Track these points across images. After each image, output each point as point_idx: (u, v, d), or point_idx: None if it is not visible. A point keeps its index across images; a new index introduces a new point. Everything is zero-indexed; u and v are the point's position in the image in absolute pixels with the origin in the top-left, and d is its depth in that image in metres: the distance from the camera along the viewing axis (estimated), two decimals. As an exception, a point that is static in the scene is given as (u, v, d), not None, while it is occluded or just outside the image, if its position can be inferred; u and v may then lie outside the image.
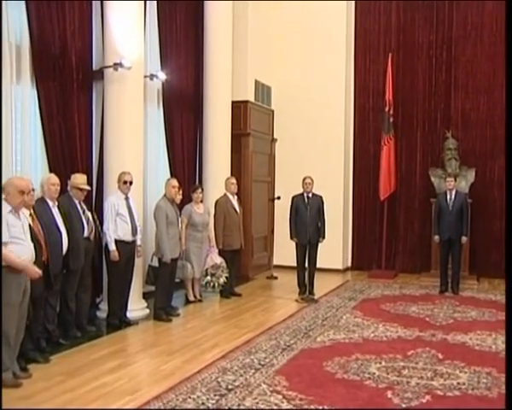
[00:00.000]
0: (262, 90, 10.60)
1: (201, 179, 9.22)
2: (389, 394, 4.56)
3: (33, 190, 5.11)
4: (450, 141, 9.96)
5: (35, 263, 4.81)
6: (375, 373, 5.04)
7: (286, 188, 9.88)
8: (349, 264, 11.12)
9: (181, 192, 7.55)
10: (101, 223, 6.56)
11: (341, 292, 8.84)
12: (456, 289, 8.81)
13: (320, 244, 8.46)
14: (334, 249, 10.48)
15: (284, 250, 9.77)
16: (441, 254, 9.01)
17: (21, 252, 4.64)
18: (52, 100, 6.40)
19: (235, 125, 9.55)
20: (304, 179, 8.40)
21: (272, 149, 11.13)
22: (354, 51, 11.01)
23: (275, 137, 11.12)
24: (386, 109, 10.15)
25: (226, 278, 8.09)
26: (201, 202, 8.06)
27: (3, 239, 4.51)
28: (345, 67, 10.80)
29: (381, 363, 5.33)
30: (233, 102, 9.45)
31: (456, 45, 10.36)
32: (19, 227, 4.66)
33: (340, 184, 10.81)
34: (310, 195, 8.38)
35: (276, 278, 10.00)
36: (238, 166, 9.82)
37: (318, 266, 8.61)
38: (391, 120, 10.18)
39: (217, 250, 8.19)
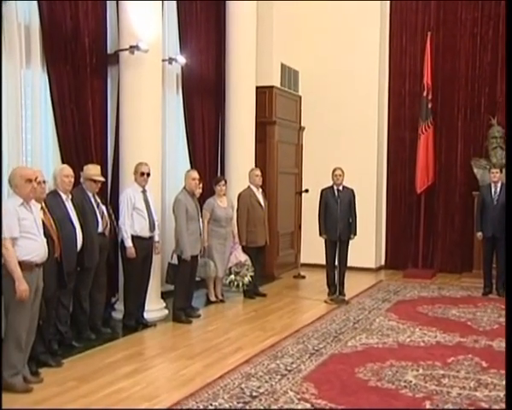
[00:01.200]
0: (289, 75, 10.54)
1: (223, 171, 9.23)
2: (427, 404, 4.50)
3: (45, 181, 5.13)
4: (495, 128, 9.79)
5: (47, 260, 4.84)
6: (411, 381, 4.97)
7: (314, 180, 9.84)
8: (383, 262, 11.04)
9: (201, 186, 7.55)
10: (117, 217, 6.59)
11: (374, 293, 8.78)
12: (502, 291, 8.65)
13: (351, 241, 8.40)
14: (367, 247, 10.42)
15: (312, 247, 9.74)
16: (485, 253, 8.87)
17: (34, 248, 4.66)
18: (64, 85, 6.43)
19: (259, 113, 9.54)
20: (334, 171, 8.33)
21: (300, 139, 11.08)
22: (389, 31, 10.86)
23: (302, 125, 11.06)
24: (425, 94, 10.03)
25: (251, 277, 8.09)
26: (224, 195, 8.05)
27: (14, 234, 4.54)
28: (379, 48, 10.68)
29: (418, 370, 5.26)
30: (257, 88, 9.44)
31: (504, 22, 10.08)
32: (31, 221, 4.68)
33: (373, 176, 10.72)
34: (340, 188, 8.31)
35: (303, 277, 9.97)
36: (263, 156, 9.81)
37: (349, 264, 8.56)
38: (429, 105, 10.05)
39: (240, 247, 8.19)
